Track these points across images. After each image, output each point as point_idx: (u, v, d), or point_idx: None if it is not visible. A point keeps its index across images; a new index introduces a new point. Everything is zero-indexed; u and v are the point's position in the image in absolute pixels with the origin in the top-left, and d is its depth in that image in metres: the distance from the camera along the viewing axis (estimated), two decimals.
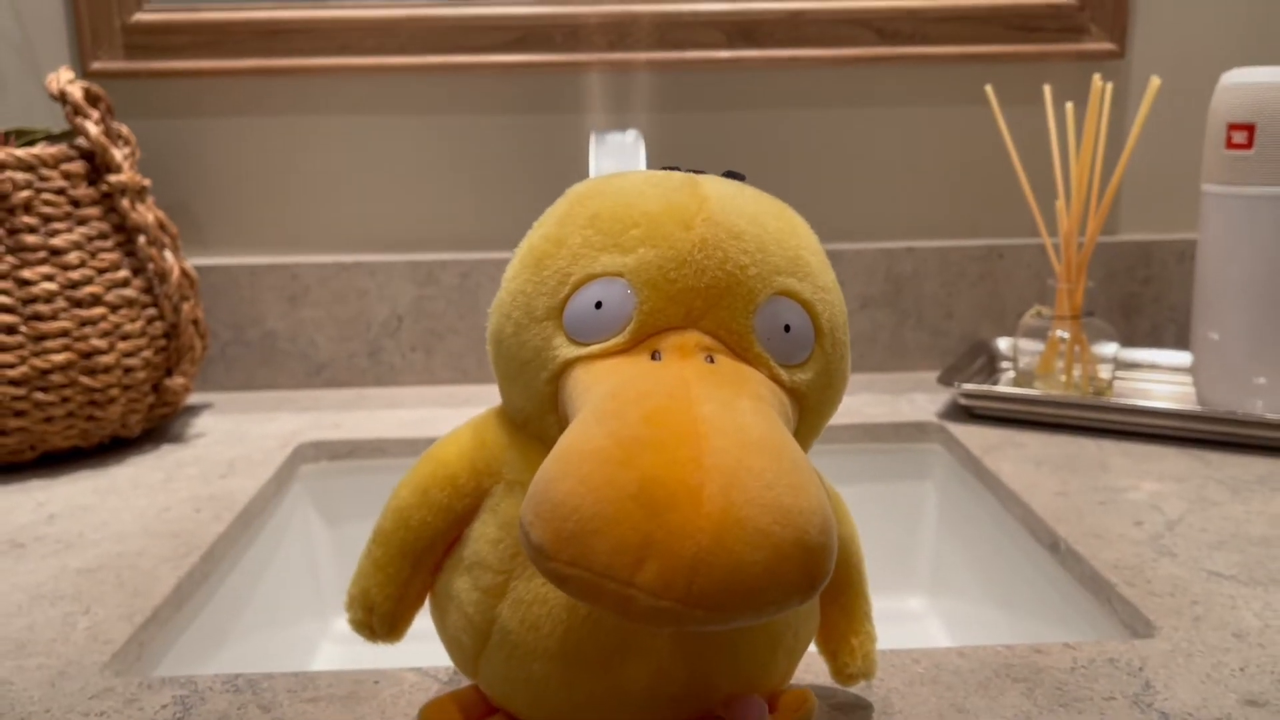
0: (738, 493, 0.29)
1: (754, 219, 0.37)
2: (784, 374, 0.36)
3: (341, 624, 0.76)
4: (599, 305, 0.35)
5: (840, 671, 0.43)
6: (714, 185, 0.38)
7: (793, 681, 0.44)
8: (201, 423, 0.85)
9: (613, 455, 0.30)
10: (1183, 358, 0.88)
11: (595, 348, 0.35)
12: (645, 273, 0.35)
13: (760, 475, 0.30)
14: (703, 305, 0.35)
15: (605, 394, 0.33)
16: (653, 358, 0.34)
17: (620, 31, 0.91)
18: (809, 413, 0.37)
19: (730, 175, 0.40)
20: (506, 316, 0.38)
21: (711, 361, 0.34)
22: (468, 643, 0.38)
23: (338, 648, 0.76)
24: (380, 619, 0.41)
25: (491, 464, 0.39)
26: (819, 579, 0.30)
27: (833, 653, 0.43)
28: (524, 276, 0.37)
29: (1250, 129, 0.73)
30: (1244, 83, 0.73)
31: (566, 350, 0.36)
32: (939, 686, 0.45)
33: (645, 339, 0.35)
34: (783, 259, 0.36)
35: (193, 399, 0.92)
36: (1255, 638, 0.49)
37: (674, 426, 0.30)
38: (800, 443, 0.38)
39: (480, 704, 0.40)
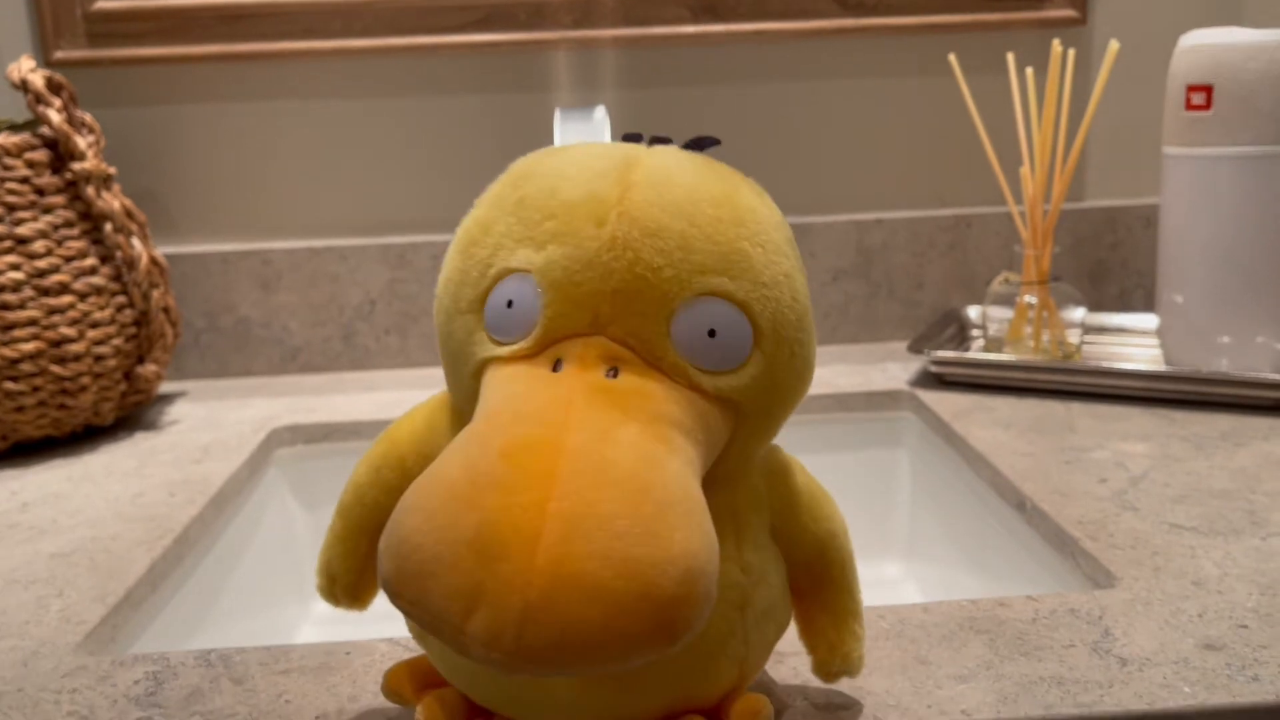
0: (579, 543, 0.28)
1: (682, 211, 0.34)
2: (706, 382, 0.33)
3: (322, 605, 0.77)
4: (510, 304, 0.34)
5: (820, 668, 0.41)
6: (651, 167, 0.35)
7: (773, 677, 0.45)
8: (176, 410, 0.85)
9: (460, 493, 0.29)
10: (1151, 321, 0.89)
11: (505, 350, 0.34)
12: (551, 273, 0.33)
13: (609, 523, 0.28)
14: (610, 311, 0.33)
15: (484, 413, 0.32)
16: (554, 367, 0.33)
17: (584, 8, 0.91)
18: (751, 418, 0.35)
19: (697, 143, 0.38)
20: (439, 302, 0.37)
21: (615, 375, 0.32)
22: (412, 625, 0.38)
23: (318, 629, 0.76)
24: (342, 589, 0.42)
25: (437, 449, 0.38)
26: (677, 631, 0.28)
27: (812, 648, 0.41)
28: (454, 263, 0.36)
29: (1208, 90, 0.73)
30: (1201, 44, 0.74)
31: (484, 349, 0.34)
32: (903, 640, 0.46)
33: (550, 345, 0.33)
34: (711, 256, 0.33)
35: (167, 387, 0.92)
36: (1214, 585, 0.50)
37: (529, 462, 0.29)
38: (743, 449, 0.36)
39: (435, 672, 0.40)
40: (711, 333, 0.33)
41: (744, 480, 0.38)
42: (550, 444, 0.30)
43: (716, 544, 0.30)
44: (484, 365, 0.34)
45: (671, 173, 0.35)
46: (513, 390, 0.32)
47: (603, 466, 0.29)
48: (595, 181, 0.34)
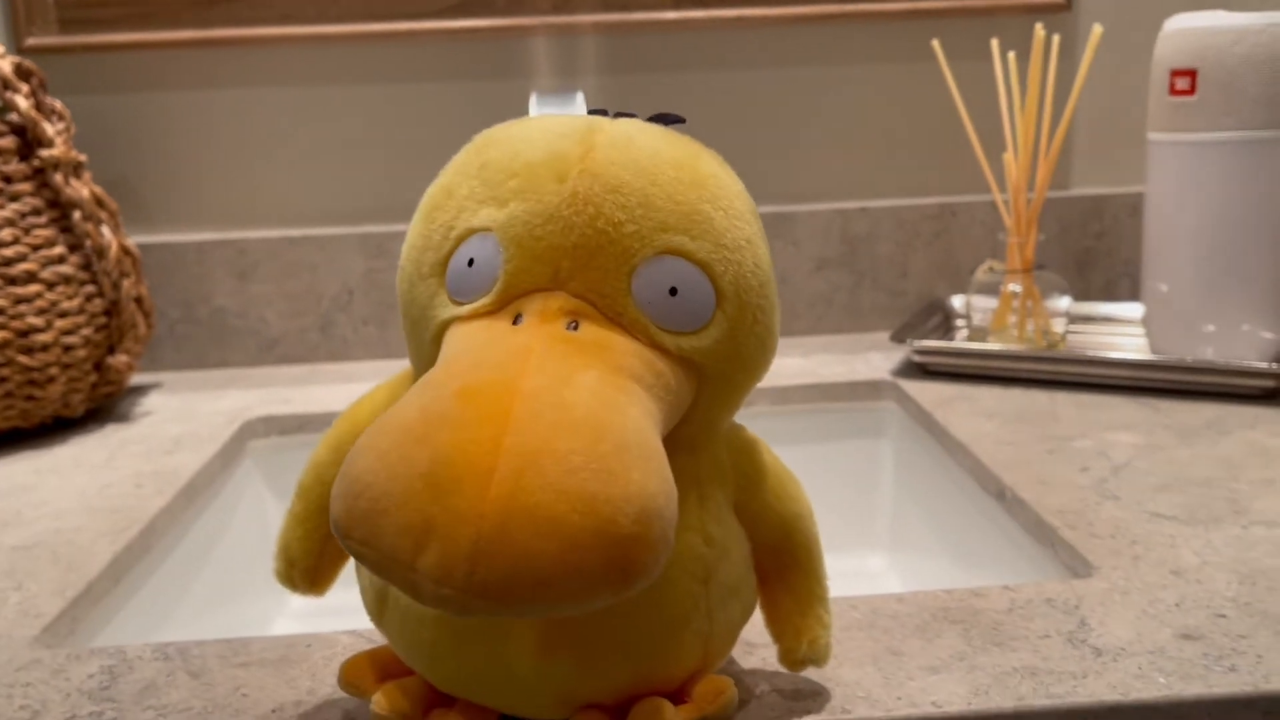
0: (532, 477, 0.27)
1: (644, 170, 0.34)
2: (668, 341, 0.33)
3: (297, 599, 0.76)
4: (471, 263, 0.34)
5: (786, 656, 0.40)
6: (614, 132, 0.35)
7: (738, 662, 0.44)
8: (148, 401, 0.84)
9: (412, 431, 0.29)
10: (1136, 310, 0.88)
11: (466, 309, 0.34)
12: (513, 229, 0.33)
13: (565, 459, 0.28)
14: (571, 265, 0.33)
15: (441, 362, 0.32)
16: (515, 321, 0.33)
17: None
18: (711, 382, 0.35)
19: (662, 118, 0.38)
20: (402, 270, 0.37)
21: (575, 328, 0.32)
22: (370, 602, 0.38)
23: (293, 623, 0.75)
24: (300, 573, 0.41)
25: None
26: (633, 571, 0.28)
27: (778, 635, 0.40)
28: (416, 229, 0.36)
29: (1192, 75, 0.72)
30: (1185, 28, 0.73)
31: (445, 310, 0.34)
32: (876, 630, 0.45)
33: (511, 301, 0.33)
34: (673, 214, 0.33)
35: (142, 378, 0.90)
36: (1193, 574, 0.49)
37: (484, 403, 0.29)
38: (705, 414, 0.36)
39: (395, 662, 0.39)
40: (673, 291, 0.33)
41: (708, 449, 0.37)
42: (506, 386, 0.30)
43: (675, 491, 0.30)
44: (445, 327, 0.34)
45: (634, 136, 0.35)
46: (471, 342, 0.32)
47: (560, 407, 0.29)
48: (558, 142, 0.34)
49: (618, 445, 0.29)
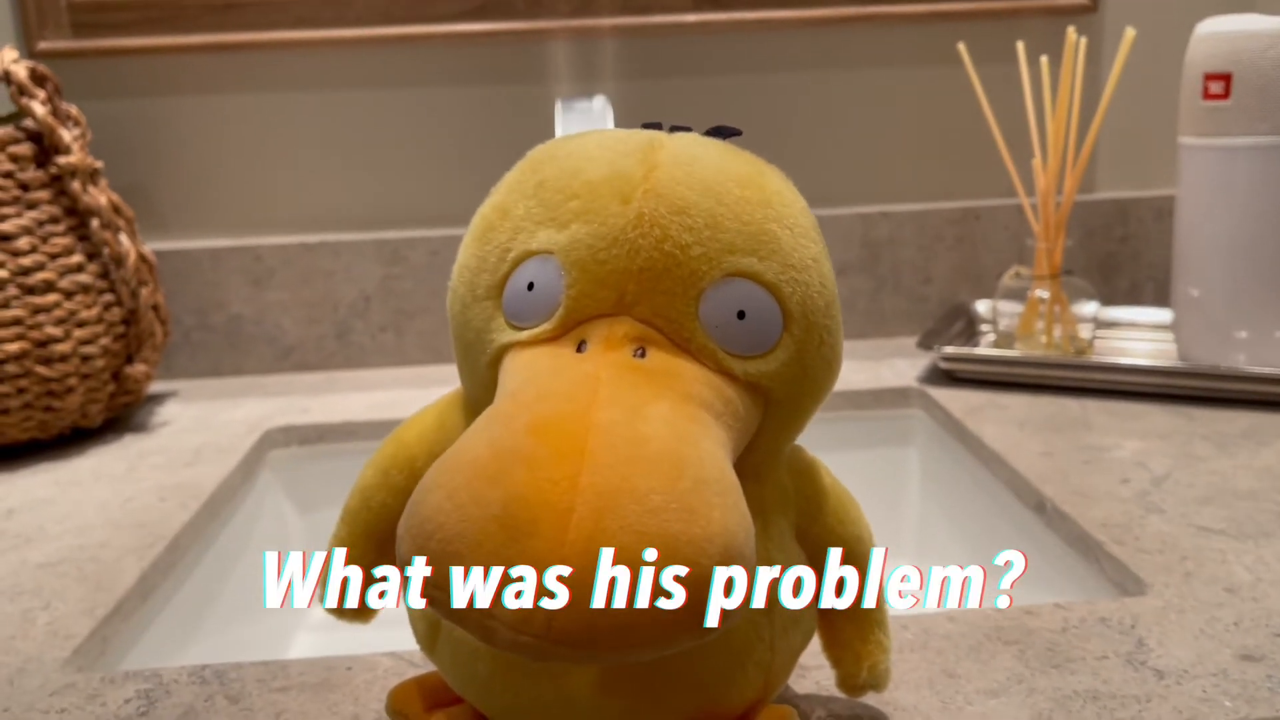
0: (612, 518, 0.26)
1: (709, 190, 0.32)
2: (735, 366, 0.32)
3: (317, 611, 0.75)
4: (531, 286, 0.32)
5: (845, 681, 0.40)
6: (676, 148, 0.34)
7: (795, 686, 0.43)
8: (166, 411, 0.83)
9: (484, 469, 0.28)
10: (1162, 315, 0.87)
11: (525, 334, 0.32)
12: (575, 252, 0.32)
13: (645, 498, 0.27)
14: (636, 290, 0.32)
15: (507, 393, 0.31)
16: (579, 348, 0.31)
17: None
18: (778, 406, 0.34)
19: (719, 131, 0.37)
20: (454, 292, 0.36)
21: (642, 355, 0.31)
22: (422, 631, 0.37)
23: (314, 636, 0.74)
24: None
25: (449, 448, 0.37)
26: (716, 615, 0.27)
27: (837, 660, 0.40)
28: (470, 250, 0.35)
29: (1227, 79, 0.72)
30: (1220, 31, 0.72)
31: (502, 334, 0.33)
32: (929, 652, 0.44)
33: (574, 326, 0.32)
34: (740, 235, 0.32)
35: (157, 387, 0.89)
36: (1248, 592, 0.48)
37: (558, 438, 0.28)
38: (772, 440, 0.35)
39: (445, 689, 0.38)
40: (741, 314, 0.32)
41: (772, 476, 0.36)
42: (579, 419, 0.28)
43: (753, 526, 0.29)
44: (502, 352, 0.33)
45: (696, 153, 0.34)
46: (536, 370, 0.31)
47: (635, 441, 0.28)
48: (619, 161, 0.33)
49: (696, 481, 0.28)
